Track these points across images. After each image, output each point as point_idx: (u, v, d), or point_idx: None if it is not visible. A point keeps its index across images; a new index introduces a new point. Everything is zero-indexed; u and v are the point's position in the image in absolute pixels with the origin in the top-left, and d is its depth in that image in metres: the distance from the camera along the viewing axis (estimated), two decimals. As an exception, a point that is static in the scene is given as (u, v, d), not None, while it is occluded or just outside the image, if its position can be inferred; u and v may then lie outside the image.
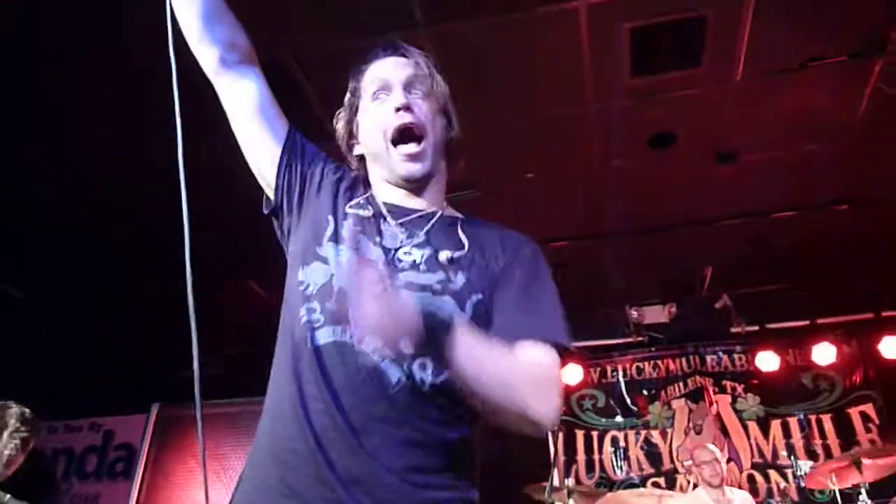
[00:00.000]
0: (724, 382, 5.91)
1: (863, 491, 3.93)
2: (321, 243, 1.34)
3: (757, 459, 5.58)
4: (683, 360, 6.06)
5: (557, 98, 3.83)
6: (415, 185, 1.41)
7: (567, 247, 5.23)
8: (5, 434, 2.78)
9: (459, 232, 1.36)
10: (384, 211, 1.39)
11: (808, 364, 5.77)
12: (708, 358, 6.02)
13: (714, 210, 4.96)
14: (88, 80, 3.48)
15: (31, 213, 4.55)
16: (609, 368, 6.19)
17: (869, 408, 5.55)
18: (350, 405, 1.17)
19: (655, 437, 5.84)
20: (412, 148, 1.36)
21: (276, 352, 1.34)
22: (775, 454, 5.56)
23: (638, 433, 5.89)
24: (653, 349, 6.19)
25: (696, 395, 5.90)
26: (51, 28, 3.19)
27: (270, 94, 1.48)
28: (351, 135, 1.48)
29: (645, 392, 6.03)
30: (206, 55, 1.45)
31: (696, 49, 3.51)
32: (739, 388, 5.86)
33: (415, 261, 1.29)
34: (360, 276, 1.06)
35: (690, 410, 5.86)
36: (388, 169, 1.40)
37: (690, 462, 4.79)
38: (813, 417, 5.63)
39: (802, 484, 5.26)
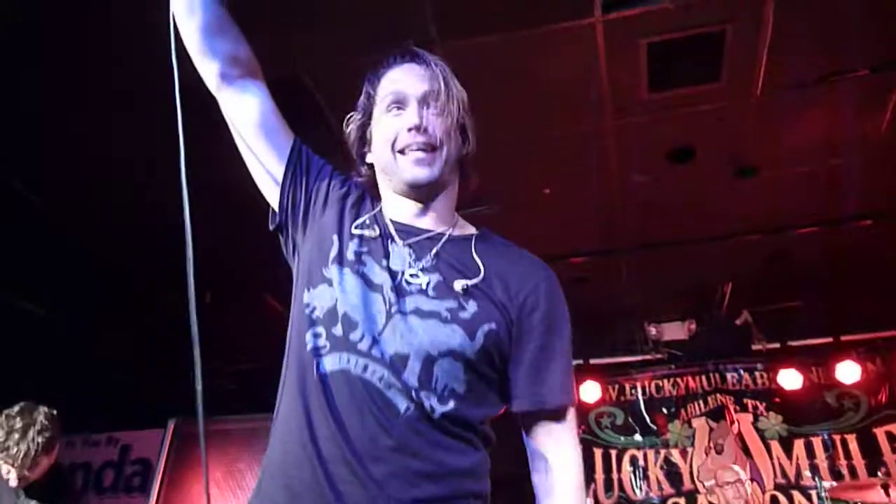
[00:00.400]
0: (745, 400, 5.82)
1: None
2: (326, 264, 1.31)
3: (780, 480, 5.46)
4: (703, 377, 5.97)
5: (575, 113, 3.81)
6: (422, 195, 1.36)
7: (585, 262, 5.19)
8: (32, 430, 2.79)
9: (474, 254, 1.33)
10: (392, 230, 1.35)
11: (831, 382, 5.66)
12: (728, 375, 5.93)
13: (734, 225, 4.90)
14: (101, 101, 3.53)
15: (48, 230, 4.60)
16: (628, 386, 6.12)
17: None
18: (357, 434, 1.14)
19: (675, 456, 5.75)
20: (420, 154, 1.33)
21: (284, 372, 1.32)
22: (799, 475, 5.45)
23: (658, 452, 5.80)
24: (672, 366, 6.11)
25: (716, 414, 5.81)
26: (52, 51, 3.24)
27: (274, 109, 1.45)
28: (363, 141, 1.45)
29: (664, 410, 5.95)
30: (207, 69, 1.42)
31: (715, 64, 3.48)
32: (761, 407, 5.76)
33: (424, 285, 1.26)
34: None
35: (711, 429, 5.76)
36: (395, 178, 1.37)
37: (712, 482, 4.71)
38: (837, 437, 5.52)
39: (827, 505, 5.15)
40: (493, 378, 1.27)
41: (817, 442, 5.52)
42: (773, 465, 5.52)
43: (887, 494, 3.83)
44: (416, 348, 1.19)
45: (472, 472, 1.21)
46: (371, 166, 1.45)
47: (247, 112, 1.41)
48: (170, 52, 1.37)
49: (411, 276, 1.28)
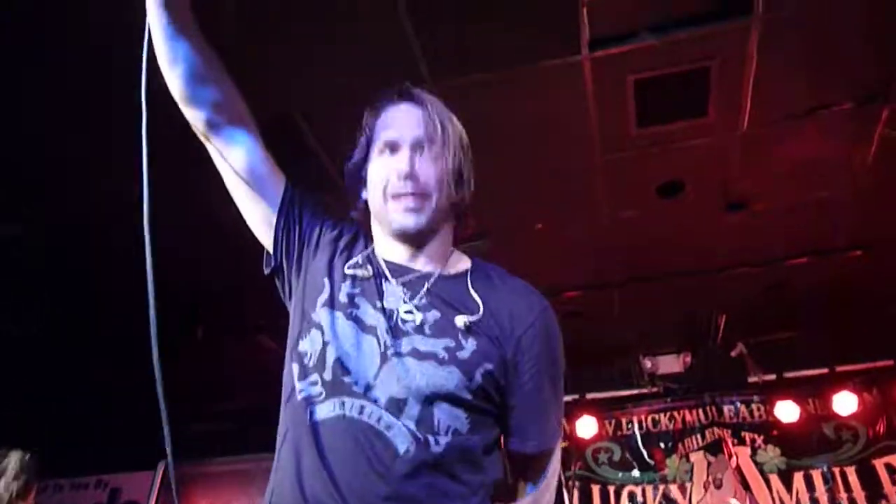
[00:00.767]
0: (742, 434, 5.78)
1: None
2: (315, 309, 1.29)
3: (781, 514, 5.40)
4: (700, 410, 5.94)
5: (565, 149, 3.85)
6: (413, 240, 1.34)
7: (579, 296, 5.19)
8: (4, 479, 2.72)
9: (471, 290, 1.31)
10: (385, 269, 1.34)
11: (829, 414, 5.64)
12: (725, 408, 5.89)
13: (726, 257, 4.93)
14: (100, 127, 3.54)
15: (37, 265, 4.57)
16: (624, 420, 6.07)
17: (895, 459, 5.38)
18: (349, 485, 1.11)
19: (674, 491, 5.68)
20: (409, 202, 1.31)
21: (280, 416, 1.29)
22: (799, 509, 5.39)
23: (656, 488, 5.72)
24: (668, 400, 6.08)
25: (714, 448, 5.75)
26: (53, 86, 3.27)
27: (264, 156, 1.42)
28: (359, 179, 1.43)
29: (662, 444, 5.89)
30: (194, 117, 1.38)
31: (702, 100, 3.53)
32: (759, 440, 5.71)
33: (419, 323, 1.24)
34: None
35: (709, 463, 5.70)
36: (385, 222, 1.36)
37: (712, 518, 4.64)
38: (837, 470, 5.46)
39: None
40: (492, 412, 1.26)
41: (816, 475, 5.47)
42: (772, 498, 5.45)
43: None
44: (413, 391, 1.16)
45: None
46: (366, 204, 1.43)
47: (236, 163, 1.39)
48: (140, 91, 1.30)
49: (406, 312, 1.26)
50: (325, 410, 1.19)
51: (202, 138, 1.41)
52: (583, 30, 3.13)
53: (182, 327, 4.59)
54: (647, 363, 6.23)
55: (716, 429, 5.81)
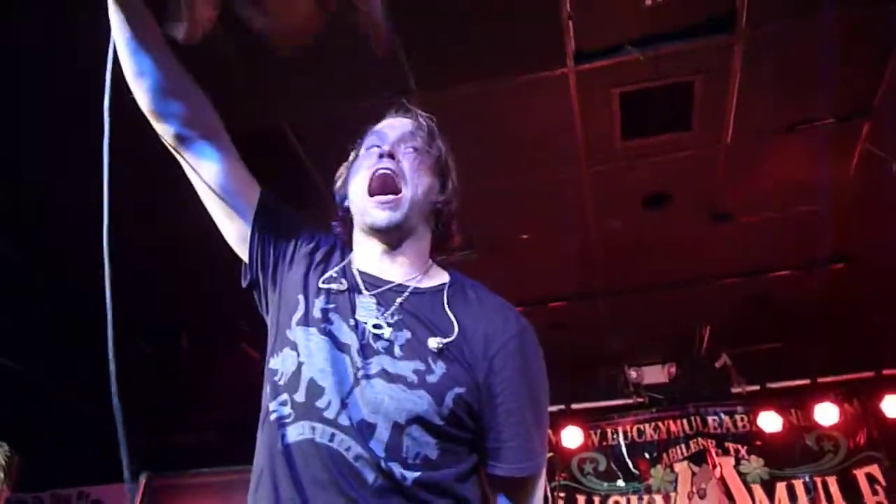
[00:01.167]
0: (726, 444, 5.80)
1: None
2: (291, 326, 1.27)
3: (763, 525, 5.42)
4: (684, 421, 5.96)
5: (551, 160, 3.88)
6: (387, 238, 1.33)
7: (565, 307, 5.21)
8: None
9: (446, 308, 1.27)
10: (359, 281, 1.32)
11: (811, 424, 5.68)
12: (709, 419, 5.92)
13: (711, 269, 4.97)
14: (78, 158, 3.53)
15: (18, 284, 4.53)
16: (609, 431, 6.08)
17: (875, 469, 5.43)
18: None
19: (658, 501, 5.69)
20: (385, 197, 1.30)
21: (258, 436, 1.26)
22: (782, 519, 5.42)
23: (640, 498, 5.74)
24: (653, 410, 6.10)
25: (698, 458, 5.78)
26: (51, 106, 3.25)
27: (235, 169, 1.39)
28: (344, 185, 1.43)
29: (646, 455, 5.91)
30: (163, 131, 1.35)
31: (686, 113, 3.58)
32: (742, 450, 5.74)
33: (390, 340, 1.21)
34: None
35: (693, 473, 5.73)
36: (362, 217, 1.35)
37: (696, 528, 4.66)
38: (818, 480, 5.50)
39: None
40: (466, 438, 1.21)
41: (799, 485, 5.51)
42: (755, 509, 5.48)
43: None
44: (382, 416, 1.14)
45: None
46: (348, 210, 1.42)
47: (207, 177, 1.36)
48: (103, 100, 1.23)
49: (375, 327, 1.23)
50: (295, 434, 1.16)
51: (173, 152, 1.38)
52: (568, 43, 3.16)
53: (167, 338, 4.56)
54: (633, 374, 6.25)
55: (700, 439, 5.84)
